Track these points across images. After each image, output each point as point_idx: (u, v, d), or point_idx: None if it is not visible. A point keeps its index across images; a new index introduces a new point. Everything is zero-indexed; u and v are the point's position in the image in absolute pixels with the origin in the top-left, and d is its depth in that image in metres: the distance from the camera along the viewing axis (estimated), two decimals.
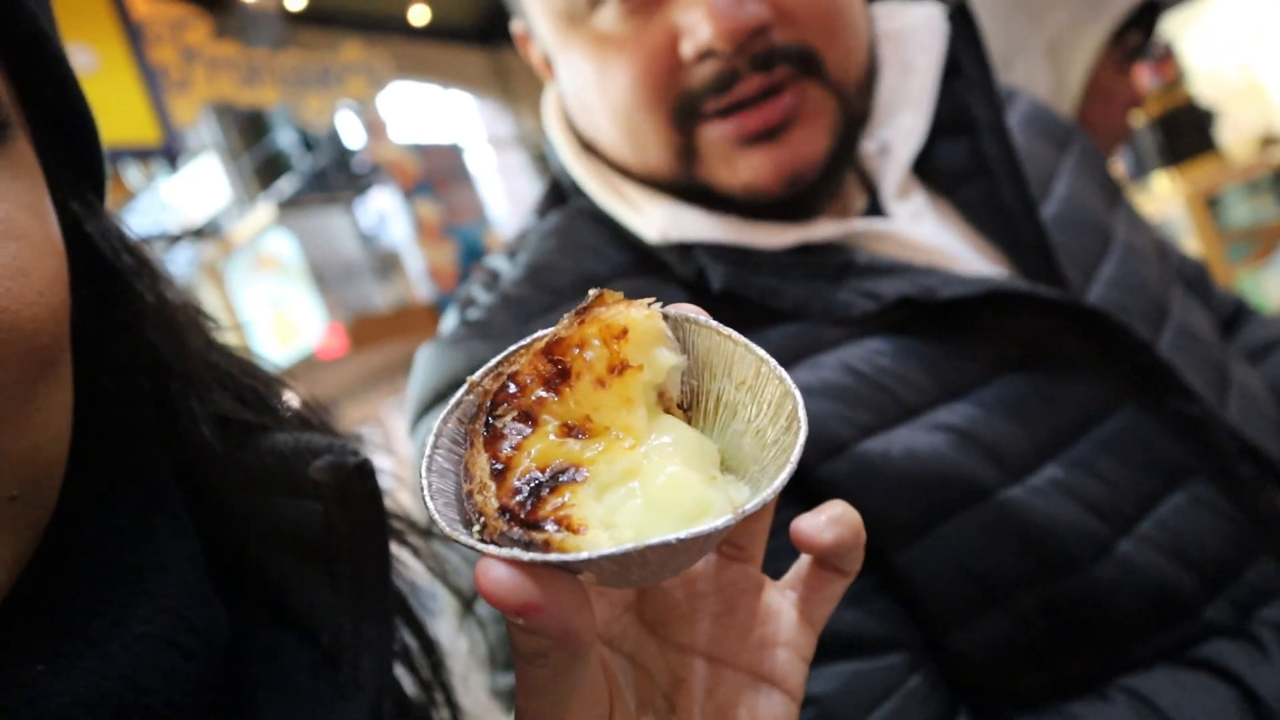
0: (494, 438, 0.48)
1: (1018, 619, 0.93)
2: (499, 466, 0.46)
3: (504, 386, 0.50)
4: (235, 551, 0.66)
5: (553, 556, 0.42)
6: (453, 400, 0.51)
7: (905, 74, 1.13)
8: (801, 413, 0.48)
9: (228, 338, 0.73)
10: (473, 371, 0.51)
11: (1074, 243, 1.12)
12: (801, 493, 0.91)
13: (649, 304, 0.51)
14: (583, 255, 1.09)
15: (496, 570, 0.41)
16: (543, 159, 11.32)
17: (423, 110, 12.21)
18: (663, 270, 1.04)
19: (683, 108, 0.99)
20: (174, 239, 9.24)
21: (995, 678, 0.94)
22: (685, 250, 1.01)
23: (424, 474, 0.47)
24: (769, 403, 0.50)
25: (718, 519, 0.43)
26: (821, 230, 1.04)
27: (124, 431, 0.63)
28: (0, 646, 0.49)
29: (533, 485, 0.46)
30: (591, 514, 0.45)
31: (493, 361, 0.52)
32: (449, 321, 1.11)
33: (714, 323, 0.53)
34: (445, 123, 12.53)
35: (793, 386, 0.49)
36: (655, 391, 0.52)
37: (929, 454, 0.93)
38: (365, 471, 0.65)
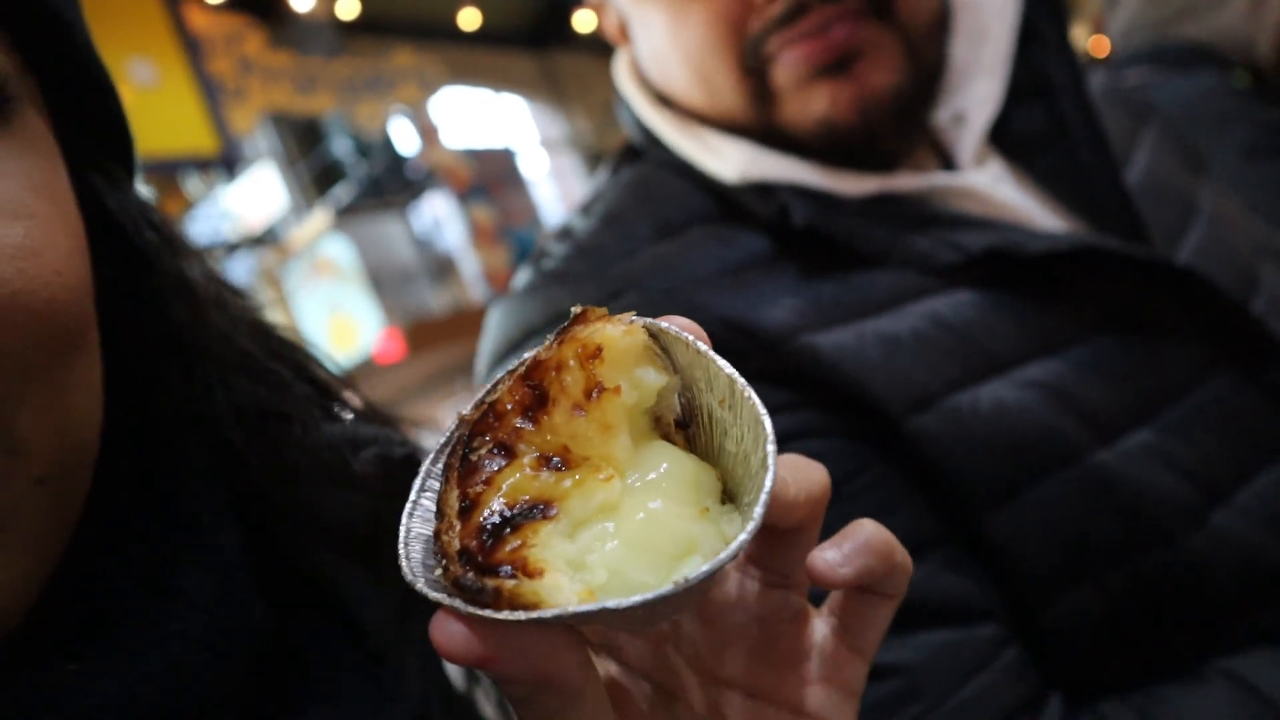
0: (468, 472, 0.43)
1: (1108, 593, 0.89)
2: (467, 503, 0.42)
3: (483, 416, 0.45)
4: (281, 545, 0.64)
5: (487, 613, 0.38)
6: (443, 439, 0.46)
7: (979, 41, 1.11)
8: (771, 447, 0.41)
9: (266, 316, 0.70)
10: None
11: (1156, 213, 1.09)
12: (890, 448, 0.88)
13: (628, 318, 0.46)
14: (659, 202, 1.08)
15: (446, 624, 0.38)
16: (595, 160, 11.42)
17: (475, 114, 12.30)
18: (742, 215, 1.03)
19: (752, 51, 0.99)
20: (233, 247, 9.40)
21: (1084, 658, 0.90)
22: (766, 190, 1.00)
23: (405, 520, 0.43)
24: (748, 425, 0.44)
25: (663, 587, 0.38)
26: (902, 181, 1.02)
27: (156, 419, 0.61)
28: (31, 645, 0.48)
29: (495, 524, 0.41)
30: (558, 554, 0.40)
31: (480, 393, 0.47)
32: (521, 276, 1.10)
33: (686, 335, 0.46)
34: (498, 126, 12.61)
35: (763, 411, 0.42)
36: (650, 415, 0.47)
37: (1018, 410, 0.90)
38: (413, 463, 0.64)
